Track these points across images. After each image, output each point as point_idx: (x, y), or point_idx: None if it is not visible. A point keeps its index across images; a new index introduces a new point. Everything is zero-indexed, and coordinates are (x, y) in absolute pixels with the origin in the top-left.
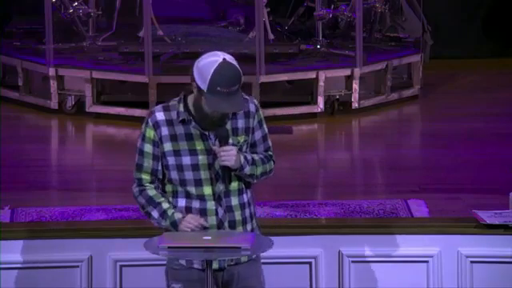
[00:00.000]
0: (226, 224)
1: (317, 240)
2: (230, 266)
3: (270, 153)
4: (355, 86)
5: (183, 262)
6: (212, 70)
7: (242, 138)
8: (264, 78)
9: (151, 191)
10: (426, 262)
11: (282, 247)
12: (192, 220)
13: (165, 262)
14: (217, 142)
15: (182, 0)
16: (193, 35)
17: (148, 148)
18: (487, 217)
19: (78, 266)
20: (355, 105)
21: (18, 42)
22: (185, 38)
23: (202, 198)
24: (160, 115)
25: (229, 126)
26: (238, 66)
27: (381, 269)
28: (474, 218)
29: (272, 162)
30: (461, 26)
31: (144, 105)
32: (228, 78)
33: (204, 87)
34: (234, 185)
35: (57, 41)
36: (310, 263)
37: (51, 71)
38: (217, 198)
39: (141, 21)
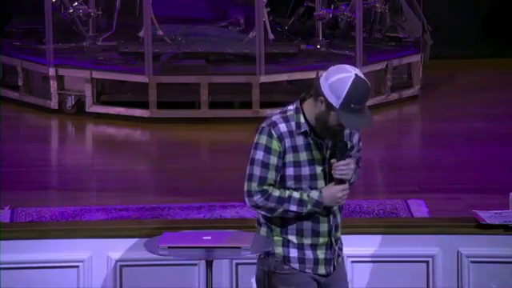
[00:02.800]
0: (333, 230)
1: None
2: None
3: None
4: None
5: (296, 265)
6: (347, 87)
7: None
8: (264, 78)
9: (275, 192)
10: (426, 262)
11: None
12: (336, 188)
13: (165, 262)
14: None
15: (181, 0)
16: (193, 35)
17: (273, 160)
18: (487, 217)
19: (77, 266)
20: None
21: (18, 42)
22: (185, 38)
23: None
24: (283, 127)
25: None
26: (367, 80)
27: (381, 269)
28: (474, 218)
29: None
30: (461, 26)
31: (144, 105)
32: (362, 95)
33: (337, 104)
34: None
35: (57, 41)
36: None
37: (51, 71)
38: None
39: (141, 21)
